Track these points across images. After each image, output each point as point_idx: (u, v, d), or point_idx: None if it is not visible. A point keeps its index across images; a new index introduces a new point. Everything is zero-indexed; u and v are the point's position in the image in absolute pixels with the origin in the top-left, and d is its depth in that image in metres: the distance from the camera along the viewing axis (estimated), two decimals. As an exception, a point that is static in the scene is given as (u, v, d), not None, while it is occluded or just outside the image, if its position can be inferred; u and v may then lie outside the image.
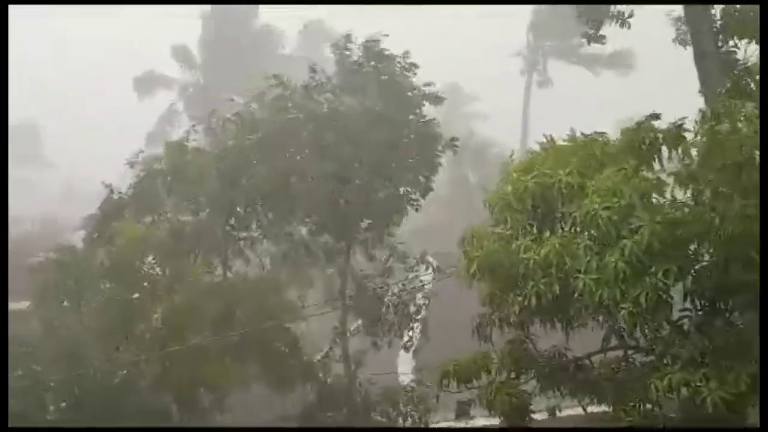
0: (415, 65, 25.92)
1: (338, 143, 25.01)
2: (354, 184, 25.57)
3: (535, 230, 15.23)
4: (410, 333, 26.54)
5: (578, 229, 14.68)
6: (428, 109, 26.59)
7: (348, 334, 26.78)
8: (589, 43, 23.80)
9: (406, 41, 26.98)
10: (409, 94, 25.79)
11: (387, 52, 25.93)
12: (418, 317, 26.47)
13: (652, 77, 61.04)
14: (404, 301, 26.26)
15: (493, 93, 67.37)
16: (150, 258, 23.91)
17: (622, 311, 13.91)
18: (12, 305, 22.45)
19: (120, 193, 25.90)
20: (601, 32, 23.16)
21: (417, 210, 26.38)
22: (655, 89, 56.19)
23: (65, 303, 23.27)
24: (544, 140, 16.15)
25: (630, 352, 16.29)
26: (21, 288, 23.32)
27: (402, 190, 26.05)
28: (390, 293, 26.17)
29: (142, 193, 25.57)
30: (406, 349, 26.86)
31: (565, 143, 15.95)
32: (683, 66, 21.08)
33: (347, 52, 26.25)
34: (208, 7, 62.46)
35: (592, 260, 14.10)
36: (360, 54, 26.17)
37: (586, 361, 16.83)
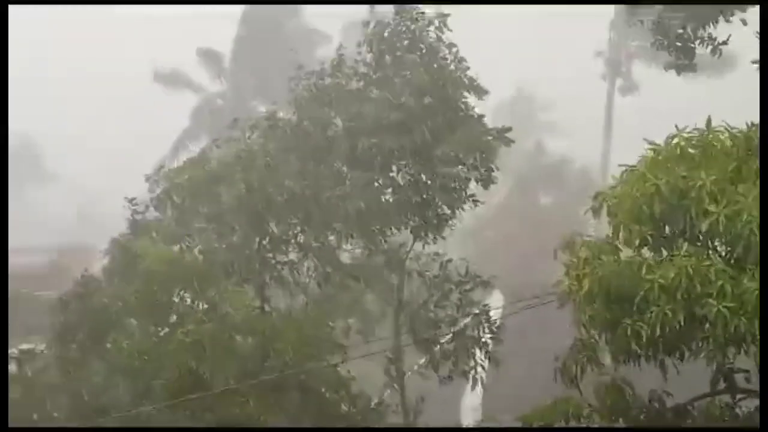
0: (453, 44, 26.12)
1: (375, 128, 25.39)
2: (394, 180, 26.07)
3: (656, 247, 15.06)
4: (475, 368, 26.54)
5: (714, 246, 14.55)
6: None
7: (407, 375, 26.98)
8: (678, 74, 23.75)
9: (466, 44, 27.17)
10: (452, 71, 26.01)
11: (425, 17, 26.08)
12: (483, 347, 26.49)
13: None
14: (461, 325, 26.40)
15: (571, 100, 67.24)
16: (179, 289, 24.27)
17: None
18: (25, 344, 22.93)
19: (141, 212, 26.24)
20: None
21: (474, 207, 26.44)
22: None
23: (87, 344, 23.76)
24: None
25: (740, 396, 16.31)
26: (34, 324, 23.81)
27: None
28: (445, 316, 26.30)
29: (164, 216, 26.02)
30: (473, 384, 26.85)
31: (697, 140, 15.68)
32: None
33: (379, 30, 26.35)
34: (240, 10, 63.04)
35: (726, 285, 14.04)
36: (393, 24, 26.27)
37: (688, 407, 16.90)
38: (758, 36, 22.13)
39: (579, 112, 66.39)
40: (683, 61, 23.28)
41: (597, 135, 64.05)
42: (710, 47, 23.09)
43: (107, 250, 25.16)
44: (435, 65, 26.06)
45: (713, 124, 15.94)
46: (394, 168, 26.24)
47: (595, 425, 16.79)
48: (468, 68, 26.21)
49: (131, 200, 26.22)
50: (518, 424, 17.63)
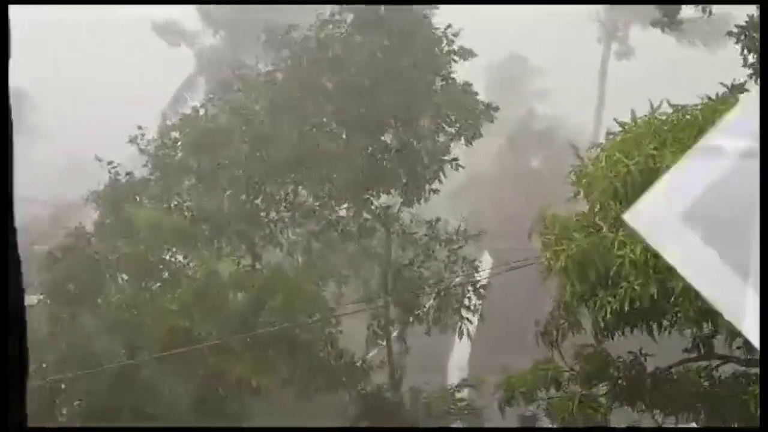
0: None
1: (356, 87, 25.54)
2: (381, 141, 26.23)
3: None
4: (461, 324, 26.79)
5: None
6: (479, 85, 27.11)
7: (394, 334, 27.22)
8: (662, 30, 23.88)
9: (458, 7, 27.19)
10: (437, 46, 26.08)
11: None
12: (469, 304, 26.73)
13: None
14: (448, 283, 26.66)
15: (564, 65, 67.02)
16: (170, 246, 24.42)
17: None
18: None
19: (128, 173, 26.37)
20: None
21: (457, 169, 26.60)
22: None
23: (78, 297, 23.91)
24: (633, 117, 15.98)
25: (716, 362, 16.51)
26: (31, 279, 23.95)
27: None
28: (431, 275, 26.53)
29: (156, 173, 26.14)
30: (461, 335, 27.08)
31: (673, 114, 15.76)
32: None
33: None
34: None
35: None
36: None
37: (666, 373, 17.11)
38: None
39: (573, 77, 66.19)
40: (670, 18, 23.26)
41: (591, 100, 63.95)
42: (700, 7, 23.02)
43: (88, 198, 25.35)
44: (416, 23, 26.14)
45: (701, 92, 16.02)
46: (385, 132, 26.37)
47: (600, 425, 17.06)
48: (449, 26, 26.30)
49: (110, 163, 26.32)
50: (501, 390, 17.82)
